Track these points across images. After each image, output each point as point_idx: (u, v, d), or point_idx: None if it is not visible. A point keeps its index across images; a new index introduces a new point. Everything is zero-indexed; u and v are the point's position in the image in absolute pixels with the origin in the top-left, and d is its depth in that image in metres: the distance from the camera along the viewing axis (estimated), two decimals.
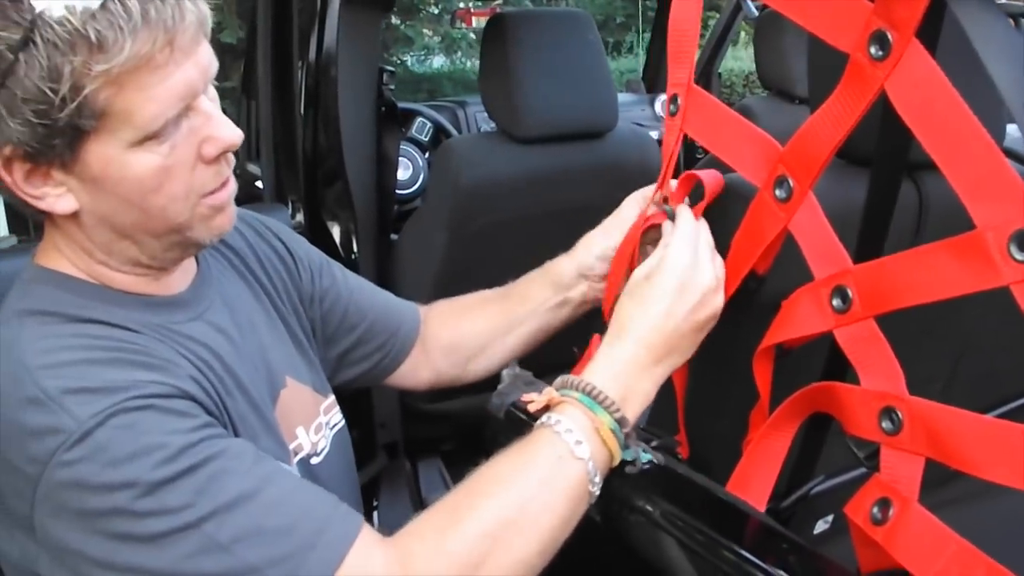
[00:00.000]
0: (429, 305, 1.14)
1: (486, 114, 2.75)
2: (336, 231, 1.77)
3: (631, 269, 0.86)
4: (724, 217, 0.81)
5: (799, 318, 0.75)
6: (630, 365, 0.79)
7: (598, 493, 0.75)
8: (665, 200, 0.87)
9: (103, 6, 0.62)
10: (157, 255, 0.77)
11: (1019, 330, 1.14)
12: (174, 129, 0.69)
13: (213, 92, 0.74)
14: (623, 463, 0.79)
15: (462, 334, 1.10)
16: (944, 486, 0.83)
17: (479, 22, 4.29)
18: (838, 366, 0.81)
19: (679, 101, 0.79)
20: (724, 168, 0.82)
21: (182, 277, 0.83)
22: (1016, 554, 0.60)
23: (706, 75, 3.23)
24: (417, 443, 2.07)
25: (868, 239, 0.76)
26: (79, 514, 0.64)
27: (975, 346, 1.13)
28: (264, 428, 0.82)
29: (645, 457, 0.82)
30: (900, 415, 0.66)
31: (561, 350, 1.04)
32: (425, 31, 9.72)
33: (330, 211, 1.74)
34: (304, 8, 1.60)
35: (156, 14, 0.63)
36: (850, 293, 0.70)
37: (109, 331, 0.72)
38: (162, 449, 0.64)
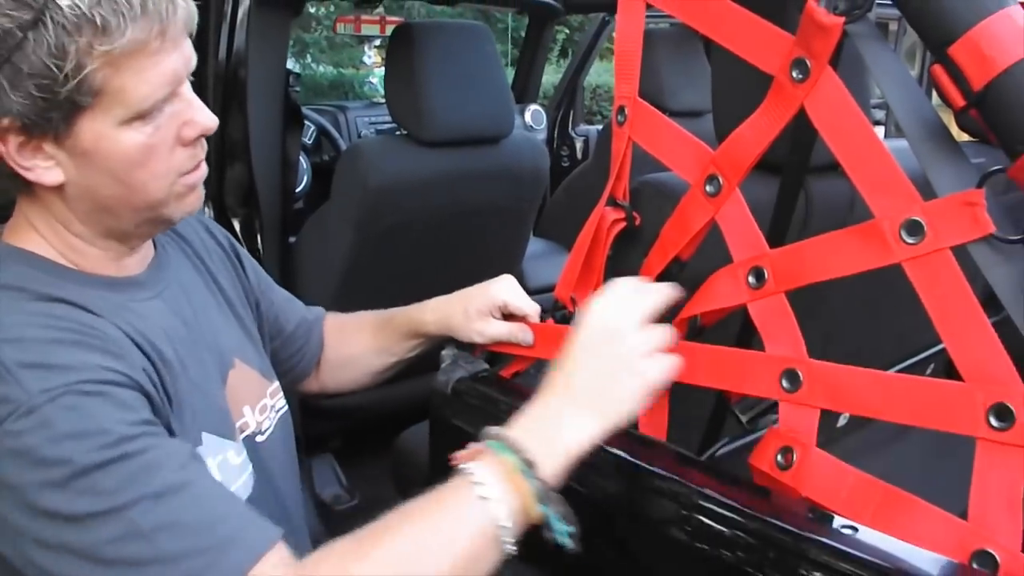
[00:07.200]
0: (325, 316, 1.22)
1: (366, 119, 2.84)
2: (239, 230, 1.79)
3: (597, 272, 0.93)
4: (657, 212, 0.94)
5: (718, 293, 0.86)
6: (550, 412, 0.77)
7: (513, 539, 0.71)
8: (614, 201, 0.98)
9: None
10: (130, 230, 0.83)
11: (874, 320, 1.33)
12: (159, 112, 0.76)
13: (188, 85, 0.81)
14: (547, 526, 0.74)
15: (340, 351, 1.19)
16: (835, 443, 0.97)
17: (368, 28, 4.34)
18: (745, 340, 0.94)
19: (626, 112, 0.91)
20: (660, 170, 0.94)
21: (140, 260, 0.88)
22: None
23: (571, 88, 3.42)
24: (309, 440, 2.11)
25: (776, 229, 0.91)
26: (17, 485, 0.67)
27: (839, 331, 1.31)
28: (207, 407, 0.87)
29: (563, 530, 0.73)
30: (801, 375, 0.77)
31: None
32: None
33: (235, 210, 1.76)
34: (215, 10, 1.63)
35: (153, 5, 0.71)
36: (765, 273, 0.82)
37: (74, 313, 0.76)
38: (102, 435, 0.68)
